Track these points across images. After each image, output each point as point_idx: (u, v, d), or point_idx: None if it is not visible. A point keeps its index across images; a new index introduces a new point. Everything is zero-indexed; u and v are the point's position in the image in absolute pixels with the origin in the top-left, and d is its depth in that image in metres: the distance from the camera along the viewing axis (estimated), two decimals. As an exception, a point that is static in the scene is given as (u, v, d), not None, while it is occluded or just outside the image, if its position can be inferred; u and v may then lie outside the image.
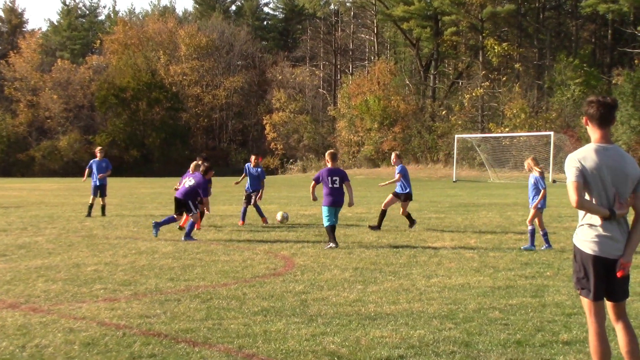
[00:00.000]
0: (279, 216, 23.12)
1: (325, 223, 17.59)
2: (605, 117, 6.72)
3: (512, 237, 19.21)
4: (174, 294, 11.21)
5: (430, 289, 11.72)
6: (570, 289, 11.61)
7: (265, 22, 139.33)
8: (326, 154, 18.30)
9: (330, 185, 17.68)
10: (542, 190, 16.71)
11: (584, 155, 6.72)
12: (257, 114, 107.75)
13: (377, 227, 21.20)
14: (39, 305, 10.41)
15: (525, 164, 17.34)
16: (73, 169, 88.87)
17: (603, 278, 6.68)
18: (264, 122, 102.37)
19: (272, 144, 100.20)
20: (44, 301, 10.68)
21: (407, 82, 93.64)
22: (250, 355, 7.94)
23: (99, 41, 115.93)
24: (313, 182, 18.07)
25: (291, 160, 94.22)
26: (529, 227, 16.99)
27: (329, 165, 17.99)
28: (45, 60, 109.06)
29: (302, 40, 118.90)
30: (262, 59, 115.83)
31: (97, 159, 26.61)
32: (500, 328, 9.12)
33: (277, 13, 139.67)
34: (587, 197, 6.70)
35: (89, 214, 25.76)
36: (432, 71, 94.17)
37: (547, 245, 16.85)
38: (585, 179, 6.66)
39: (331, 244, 17.03)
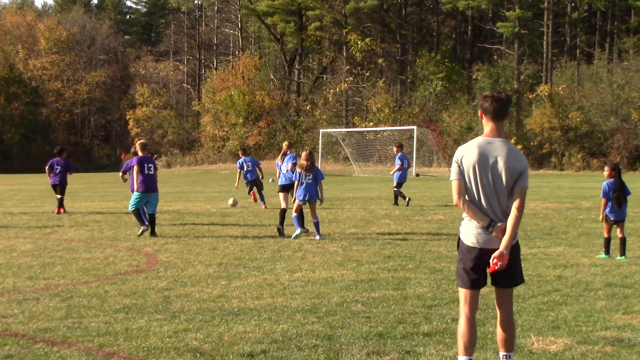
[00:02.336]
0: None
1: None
2: (498, 112, 6.86)
3: (376, 230, 19.46)
4: (32, 293, 10.96)
5: (294, 283, 11.78)
6: (431, 281, 11.85)
7: (127, 16, 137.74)
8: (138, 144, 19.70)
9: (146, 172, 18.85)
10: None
11: (464, 152, 6.87)
12: (120, 109, 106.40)
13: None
14: None
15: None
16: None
17: (481, 269, 6.82)
18: (127, 117, 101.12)
19: (136, 139, 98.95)
20: None
21: (272, 77, 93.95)
22: (111, 353, 7.82)
23: None
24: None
25: (155, 156, 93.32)
26: None
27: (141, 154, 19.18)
28: None
29: (165, 35, 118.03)
30: (125, 53, 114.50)
31: None
32: (362, 321, 9.22)
33: (140, 7, 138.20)
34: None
35: None
36: (296, 66, 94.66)
37: None
38: (463, 176, 6.80)
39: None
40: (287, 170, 19.41)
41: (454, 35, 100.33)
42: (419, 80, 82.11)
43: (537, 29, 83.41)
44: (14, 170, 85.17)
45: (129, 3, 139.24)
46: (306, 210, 18.80)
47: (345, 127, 79.17)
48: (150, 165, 18.87)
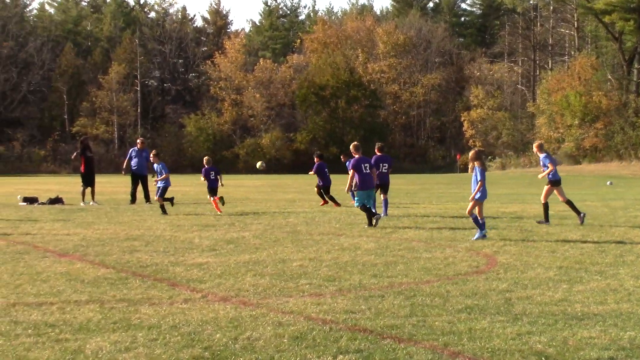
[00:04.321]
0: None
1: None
2: None
3: None
4: (377, 290, 11.34)
5: (639, 289, 11.40)
6: None
7: (462, 19, 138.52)
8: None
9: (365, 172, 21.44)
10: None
11: None
12: (455, 111, 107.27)
13: (546, 221, 21.57)
14: (249, 298, 10.76)
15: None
16: (275, 166, 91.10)
17: None
18: (462, 119, 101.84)
19: (470, 140, 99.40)
20: (253, 295, 11.03)
21: (609, 77, 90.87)
22: (455, 353, 7.94)
23: (299, 40, 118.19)
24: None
25: (489, 157, 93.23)
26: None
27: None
28: (248, 60, 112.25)
29: (500, 36, 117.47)
30: (460, 55, 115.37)
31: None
32: None
33: (475, 9, 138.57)
34: None
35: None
36: (635, 65, 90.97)
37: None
38: None
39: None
40: None
41: None
42: None
43: None
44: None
45: (464, 5, 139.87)
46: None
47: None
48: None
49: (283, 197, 34.65)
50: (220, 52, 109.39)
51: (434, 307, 10.14)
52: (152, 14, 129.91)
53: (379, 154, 25.35)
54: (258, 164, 30.29)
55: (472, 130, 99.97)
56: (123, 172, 33.24)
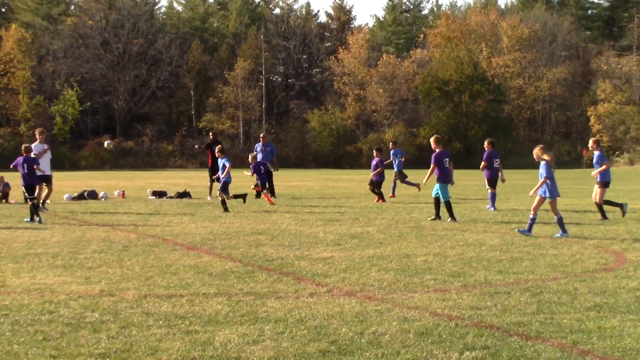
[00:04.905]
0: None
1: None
2: None
3: None
4: (503, 287, 11.24)
5: None
6: None
7: (589, 11, 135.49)
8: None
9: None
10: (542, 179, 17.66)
11: None
12: (582, 105, 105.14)
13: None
14: (374, 293, 10.80)
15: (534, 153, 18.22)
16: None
17: None
18: (589, 113, 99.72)
19: (597, 135, 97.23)
20: (377, 290, 11.07)
21: None
22: (585, 351, 7.82)
23: (422, 35, 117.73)
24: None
25: (617, 153, 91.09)
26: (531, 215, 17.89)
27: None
28: (372, 55, 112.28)
29: (628, 29, 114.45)
30: (586, 49, 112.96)
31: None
32: None
33: (602, 1, 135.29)
34: None
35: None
36: None
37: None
38: None
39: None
40: None
41: None
42: None
43: None
44: (476, 165, 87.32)
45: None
46: None
47: None
48: (446, 159, 21.79)
49: (405, 192, 34.53)
50: (343, 47, 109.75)
51: (562, 304, 10.01)
52: (277, 10, 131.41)
53: (491, 149, 25.25)
54: (106, 143, 30.88)
55: (599, 125, 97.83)
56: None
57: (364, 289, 11.15)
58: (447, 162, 21.86)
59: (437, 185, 21.74)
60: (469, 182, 47.05)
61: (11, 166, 23.54)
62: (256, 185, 29.01)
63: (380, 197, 29.48)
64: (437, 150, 21.97)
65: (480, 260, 13.94)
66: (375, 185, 29.72)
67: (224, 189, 25.70)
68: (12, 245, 16.09)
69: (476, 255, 14.58)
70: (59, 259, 14.06)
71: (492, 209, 24.94)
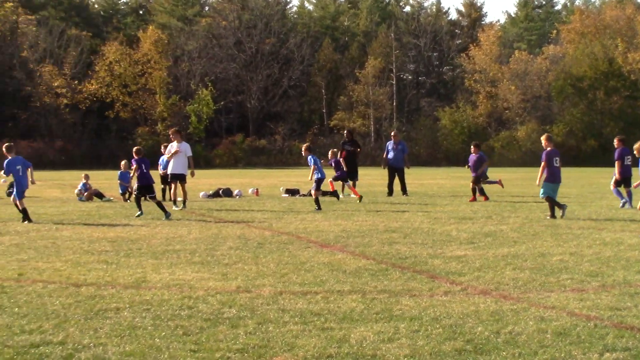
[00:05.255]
0: None
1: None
2: None
3: None
4: (645, 288, 11.00)
5: None
6: None
7: None
8: None
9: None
10: None
11: None
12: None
13: None
14: (509, 292, 10.69)
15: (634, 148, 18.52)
16: (531, 158, 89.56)
17: None
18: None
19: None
20: (513, 289, 10.95)
21: None
22: None
23: (555, 31, 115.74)
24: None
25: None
26: None
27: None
28: (503, 52, 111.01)
29: None
30: None
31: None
32: None
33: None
34: None
35: None
36: None
37: None
38: None
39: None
40: None
41: None
42: None
43: None
44: (613, 164, 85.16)
45: None
46: None
47: None
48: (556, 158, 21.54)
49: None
50: (474, 44, 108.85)
51: None
52: (407, 8, 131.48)
53: (621, 146, 24.84)
54: None
55: None
56: (383, 167, 34.01)
57: (499, 287, 11.06)
58: (557, 161, 21.61)
59: (544, 184, 21.55)
60: (606, 180, 45.95)
61: (132, 167, 24.25)
62: (331, 180, 29.32)
63: (482, 193, 29.17)
64: (549, 149, 21.73)
65: (619, 259, 13.64)
66: (475, 180, 29.37)
67: (318, 187, 25.92)
68: (151, 242, 16.54)
69: (614, 254, 14.27)
70: (197, 256, 14.39)
71: (629, 206, 24.37)
